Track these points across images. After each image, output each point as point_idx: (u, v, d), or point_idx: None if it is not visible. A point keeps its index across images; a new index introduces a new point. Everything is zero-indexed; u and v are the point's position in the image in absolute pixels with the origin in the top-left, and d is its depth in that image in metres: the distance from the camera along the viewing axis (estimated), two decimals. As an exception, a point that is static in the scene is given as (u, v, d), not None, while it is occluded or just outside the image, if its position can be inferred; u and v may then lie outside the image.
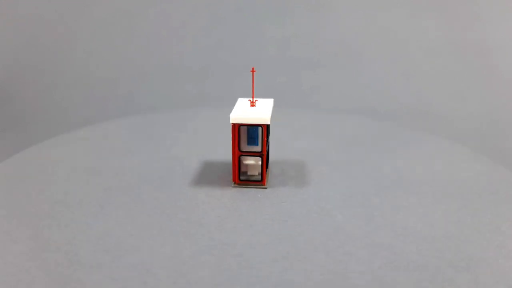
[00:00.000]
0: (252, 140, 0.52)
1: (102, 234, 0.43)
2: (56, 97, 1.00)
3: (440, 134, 0.73)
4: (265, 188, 0.52)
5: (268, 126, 0.51)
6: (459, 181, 0.55)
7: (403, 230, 0.44)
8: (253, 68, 0.54)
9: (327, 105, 0.95)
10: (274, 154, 0.60)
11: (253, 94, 0.54)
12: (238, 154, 0.51)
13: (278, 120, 0.63)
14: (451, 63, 1.06)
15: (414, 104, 0.96)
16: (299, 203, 0.49)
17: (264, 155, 0.51)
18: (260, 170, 0.53)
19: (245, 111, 0.50)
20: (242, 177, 0.53)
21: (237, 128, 0.50)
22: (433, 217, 0.47)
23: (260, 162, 0.53)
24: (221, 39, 1.13)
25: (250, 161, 0.53)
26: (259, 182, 0.52)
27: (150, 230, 0.44)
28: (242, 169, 0.54)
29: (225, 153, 0.62)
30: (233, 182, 0.53)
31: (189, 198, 0.50)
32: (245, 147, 0.52)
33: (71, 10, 1.14)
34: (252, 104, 0.53)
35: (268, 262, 0.39)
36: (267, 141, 0.53)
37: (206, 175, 0.56)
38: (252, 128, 0.51)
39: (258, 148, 0.52)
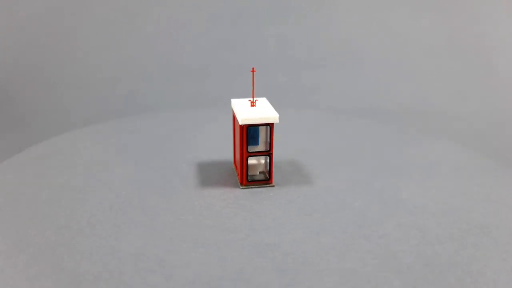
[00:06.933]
0: (253, 140, 0.52)
1: (104, 235, 0.43)
2: (56, 97, 1.00)
3: (440, 134, 0.74)
4: (273, 186, 0.52)
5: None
6: (458, 180, 0.55)
7: (416, 209, 0.48)
8: (253, 68, 0.54)
9: (327, 105, 0.95)
10: (273, 154, 0.61)
11: (253, 94, 0.54)
12: (247, 155, 0.51)
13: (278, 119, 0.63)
14: (451, 63, 1.06)
15: (414, 104, 0.96)
16: (312, 198, 0.50)
17: (272, 154, 0.51)
18: (266, 169, 0.54)
19: (252, 112, 0.50)
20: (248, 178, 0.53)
21: (245, 129, 0.49)
22: (438, 201, 0.47)
23: (262, 161, 0.54)
24: (221, 39, 1.13)
25: (252, 161, 0.54)
26: (267, 181, 0.53)
27: (163, 236, 0.43)
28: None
29: (225, 153, 0.62)
30: (240, 184, 0.52)
31: (199, 202, 0.49)
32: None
33: (71, 10, 1.13)
34: (252, 104, 0.53)
35: (320, 255, 0.40)
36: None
37: (210, 177, 0.56)
38: (253, 128, 0.51)
39: (260, 147, 0.52)
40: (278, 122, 0.50)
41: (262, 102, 0.54)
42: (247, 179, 0.52)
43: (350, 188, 0.53)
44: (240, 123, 0.49)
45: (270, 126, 0.50)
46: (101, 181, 0.54)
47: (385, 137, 0.71)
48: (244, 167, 0.51)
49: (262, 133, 0.52)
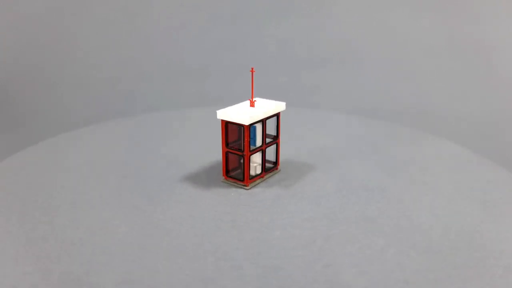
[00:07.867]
0: (252, 140, 0.52)
1: (102, 234, 0.44)
2: (56, 97, 1.00)
3: (440, 134, 0.73)
4: (247, 188, 0.52)
5: (261, 126, 0.51)
6: (458, 180, 0.55)
7: (409, 224, 0.44)
8: (252, 68, 0.54)
9: (327, 105, 0.95)
10: (273, 154, 0.60)
11: (252, 94, 0.54)
12: (225, 150, 0.52)
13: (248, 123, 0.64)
14: (451, 63, 1.06)
15: (414, 104, 0.96)
16: (262, 210, 0.48)
17: (246, 155, 0.50)
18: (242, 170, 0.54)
19: (233, 110, 0.51)
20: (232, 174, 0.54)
21: (224, 124, 0.51)
22: (435, 212, 0.47)
23: (257, 163, 0.53)
24: (221, 39, 1.13)
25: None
26: (242, 181, 0.52)
27: (145, 229, 0.44)
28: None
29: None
30: (223, 177, 0.54)
31: (167, 183, 0.53)
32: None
33: (71, 10, 1.13)
34: (252, 104, 0.53)
35: (172, 258, 0.40)
36: (265, 142, 0.54)
37: (204, 175, 0.56)
38: (253, 127, 0.52)
39: (252, 147, 0.52)
40: (247, 125, 0.49)
41: (264, 104, 0.54)
42: (227, 175, 0.53)
43: (316, 212, 0.47)
44: (217, 116, 0.51)
45: (244, 127, 0.49)
46: (99, 180, 0.55)
47: (385, 137, 0.71)
48: (223, 161, 0.52)
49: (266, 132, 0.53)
